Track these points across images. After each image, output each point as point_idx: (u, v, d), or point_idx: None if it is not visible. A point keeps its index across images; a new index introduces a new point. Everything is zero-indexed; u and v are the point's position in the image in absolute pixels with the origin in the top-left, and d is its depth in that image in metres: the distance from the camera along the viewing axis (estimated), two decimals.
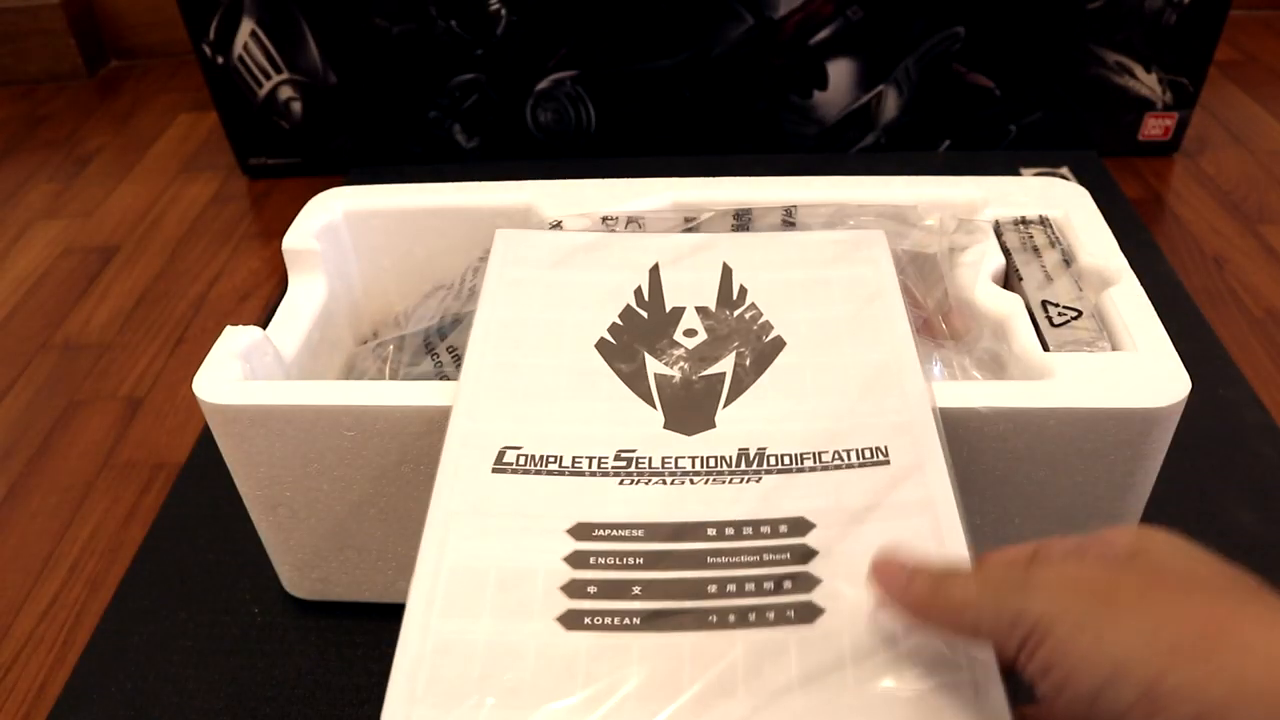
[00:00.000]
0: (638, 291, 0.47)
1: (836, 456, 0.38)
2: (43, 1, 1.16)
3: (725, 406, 0.41)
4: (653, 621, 0.34)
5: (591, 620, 0.34)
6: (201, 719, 0.49)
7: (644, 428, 0.40)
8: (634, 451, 0.39)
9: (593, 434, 0.40)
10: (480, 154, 0.94)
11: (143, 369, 0.74)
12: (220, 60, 0.89)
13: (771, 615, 0.33)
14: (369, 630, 0.52)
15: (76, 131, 1.11)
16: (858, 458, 0.38)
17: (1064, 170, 0.87)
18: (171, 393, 0.72)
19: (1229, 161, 0.90)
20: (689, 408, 0.41)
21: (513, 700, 0.32)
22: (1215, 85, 1.00)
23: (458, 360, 0.51)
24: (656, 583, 0.35)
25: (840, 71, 0.86)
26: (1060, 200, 0.52)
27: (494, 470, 0.39)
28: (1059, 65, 0.86)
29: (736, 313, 0.45)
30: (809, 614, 0.33)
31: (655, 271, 0.47)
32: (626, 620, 0.34)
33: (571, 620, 0.34)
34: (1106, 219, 0.51)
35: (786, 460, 0.38)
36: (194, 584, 0.56)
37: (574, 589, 0.35)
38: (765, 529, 0.36)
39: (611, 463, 0.39)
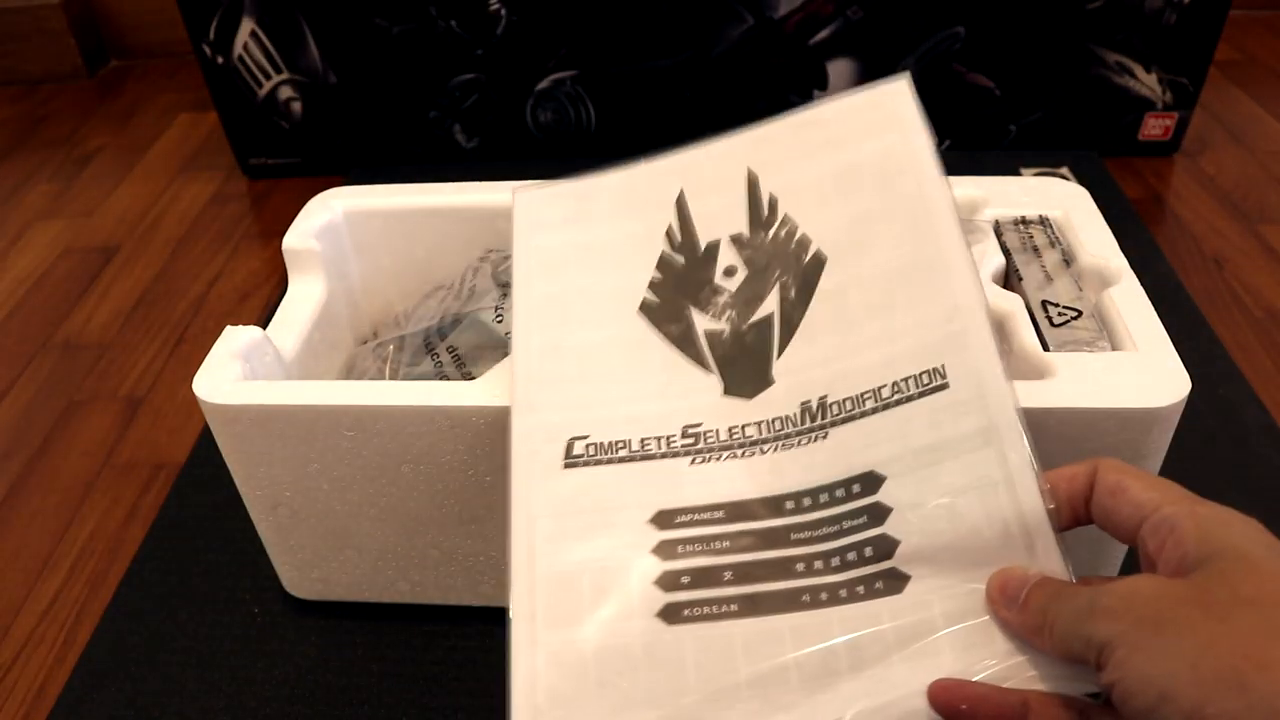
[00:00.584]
0: (669, 232, 0.44)
1: (896, 389, 0.37)
2: (43, 1, 1.16)
3: (779, 356, 0.40)
4: (749, 606, 0.34)
5: (691, 612, 0.34)
6: (201, 719, 0.49)
7: (705, 396, 0.40)
8: (700, 425, 0.39)
9: (656, 411, 0.39)
10: (480, 154, 0.94)
11: (143, 369, 0.74)
12: (220, 60, 0.89)
13: (861, 590, 0.34)
14: (369, 630, 0.52)
15: (76, 131, 1.11)
16: (916, 385, 0.37)
17: (1064, 170, 0.87)
18: (171, 393, 0.72)
19: (1229, 161, 0.90)
20: (744, 366, 0.40)
21: (632, 704, 0.33)
22: (1215, 85, 1.00)
23: (458, 360, 0.51)
24: (745, 565, 0.35)
25: (840, 71, 0.86)
26: (1060, 200, 0.52)
27: (566, 465, 0.38)
28: (1059, 65, 0.86)
29: (771, 233, 0.43)
30: (896, 584, 0.33)
31: (682, 203, 0.45)
32: (724, 608, 0.34)
33: (671, 614, 0.34)
34: (1106, 219, 0.51)
35: (848, 405, 0.37)
36: (194, 584, 0.56)
37: (667, 581, 0.35)
38: (840, 492, 0.36)
39: (680, 440, 0.38)
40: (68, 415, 0.70)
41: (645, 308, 0.43)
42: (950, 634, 0.32)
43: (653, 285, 0.43)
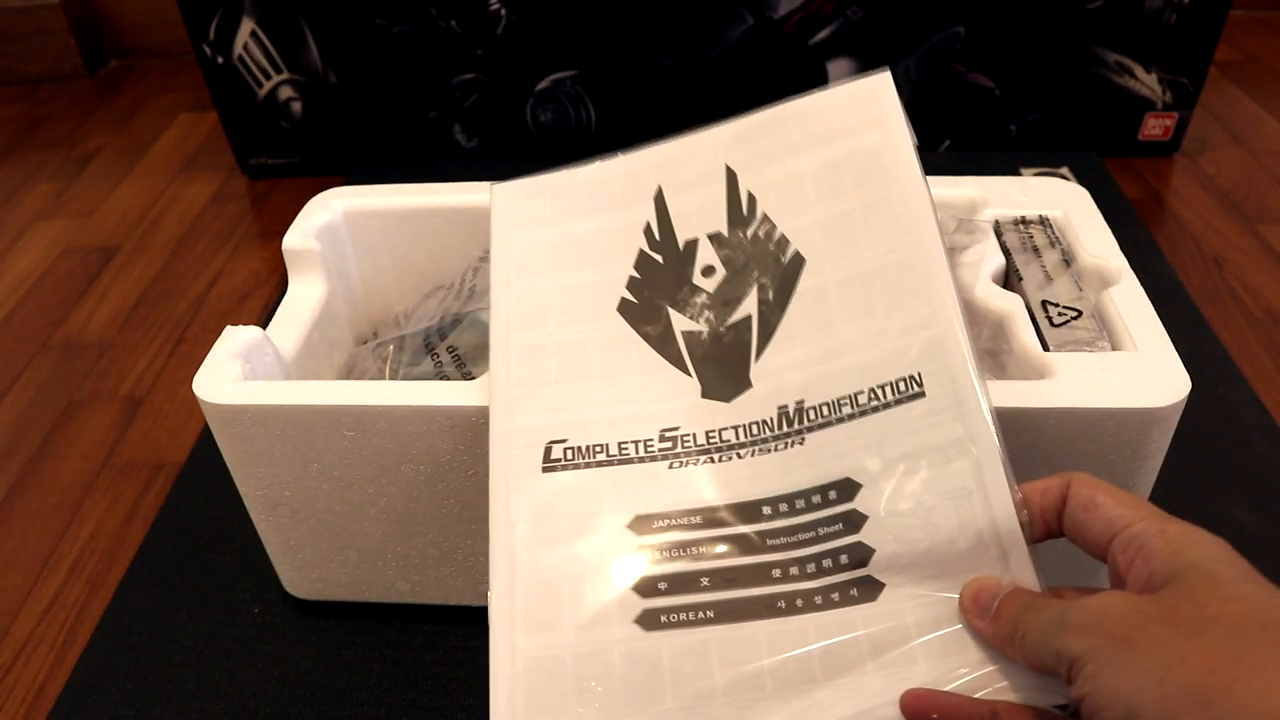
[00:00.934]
0: (648, 230, 0.44)
1: (873, 396, 0.37)
2: (43, 1, 1.16)
3: (758, 359, 0.40)
4: (726, 613, 0.34)
5: (668, 618, 0.34)
6: (201, 719, 0.49)
7: (683, 399, 0.40)
8: (677, 429, 0.39)
9: (633, 414, 0.39)
10: (480, 154, 0.94)
11: (143, 369, 0.74)
12: (220, 60, 0.89)
13: (836, 596, 0.34)
14: (369, 630, 0.52)
15: (76, 131, 1.11)
16: (894, 393, 0.37)
17: (1064, 170, 0.87)
18: (171, 393, 0.72)
19: (1229, 161, 0.90)
20: (723, 368, 0.40)
21: (610, 712, 0.33)
22: (1215, 85, 1.00)
23: (458, 360, 0.51)
24: (722, 571, 0.35)
25: (840, 71, 0.86)
26: (1060, 200, 0.52)
27: (544, 469, 0.38)
28: (1059, 65, 0.86)
29: (750, 232, 0.42)
30: (871, 591, 0.34)
31: (661, 200, 0.44)
32: (701, 614, 0.34)
33: (649, 621, 0.34)
34: (1106, 219, 0.51)
35: (825, 411, 0.37)
36: (194, 584, 0.56)
37: (645, 587, 0.35)
38: (816, 498, 0.36)
39: (658, 445, 0.39)
40: (68, 415, 0.70)
41: (624, 307, 0.42)
42: (924, 643, 0.32)
43: (631, 284, 0.43)
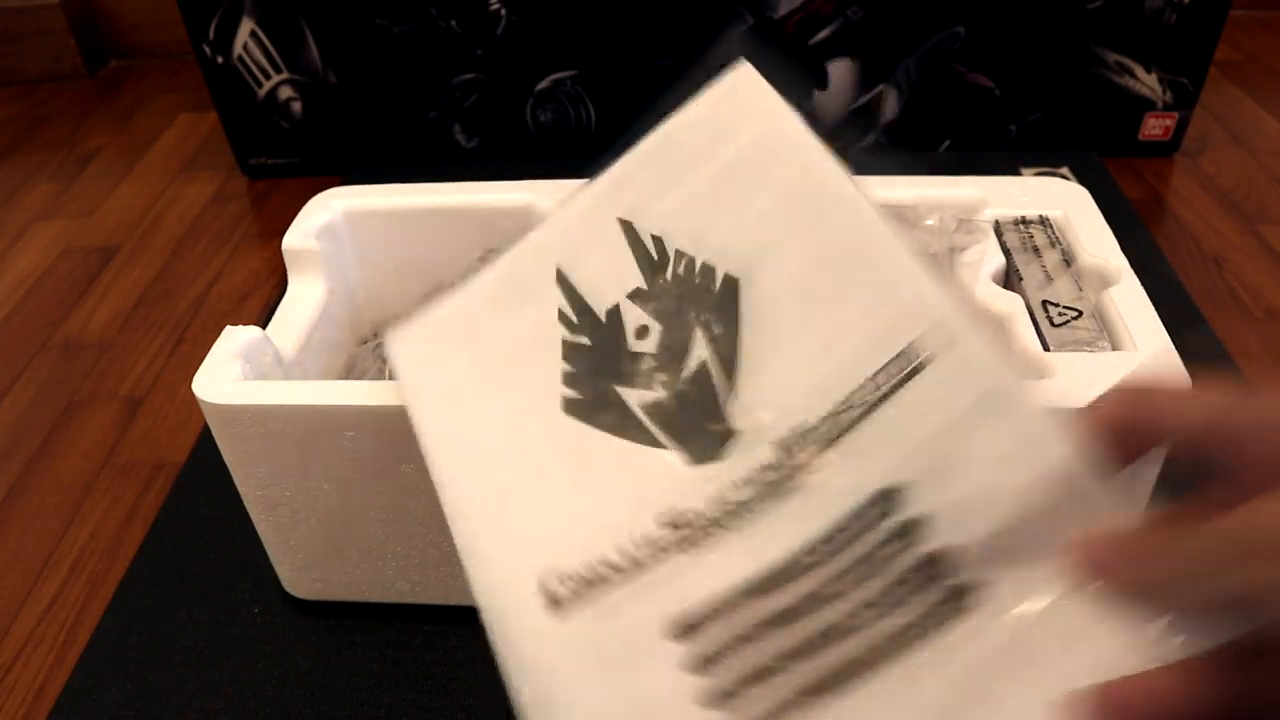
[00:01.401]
0: (563, 315, 0.39)
1: (875, 387, 0.32)
2: (43, 1, 1.16)
3: (732, 399, 0.35)
4: (818, 691, 0.29)
5: None
6: (201, 719, 0.49)
7: (671, 475, 0.35)
8: (677, 509, 0.34)
9: (624, 513, 0.34)
10: (480, 154, 0.94)
11: (143, 369, 0.74)
12: (220, 60, 0.89)
13: (930, 622, 0.29)
14: (369, 630, 0.52)
15: (76, 131, 1.11)
16: (898, 372, 0.32)
17: (1064, 170, 0.87)
18: (171, 393, 0.72)
19: (1229, 161, 0.90)
20: (699, 425, 0.35)
21: None
22: (1215, 85, 1.00)
23: None
24: (794, 647, 0.30)
25: (840, 71, 0.86)
26: (1060, 200, 0.52)
27: (550, 612, 0.33)
28: (1059, 65, 0.86)
29: (669, 274, 0.38)
30: (965, 600, 0.29)
31: (563, 279, 0.40)
32: (791, 704, 0.29)
33: None
34: (1106, 219, 0.51)
35: (828, 426, 0.32)
36: (194, 584, 0.56)
37: (714, 698, 0.30)
38: (857, 524, 0.31)
39: (662, 534, 0.33)
40: (68, 415, 0.70)
41: (569, 406, 0.37)
42: (1048, 631, 0.28)
43: (567, 379, 0.38)
